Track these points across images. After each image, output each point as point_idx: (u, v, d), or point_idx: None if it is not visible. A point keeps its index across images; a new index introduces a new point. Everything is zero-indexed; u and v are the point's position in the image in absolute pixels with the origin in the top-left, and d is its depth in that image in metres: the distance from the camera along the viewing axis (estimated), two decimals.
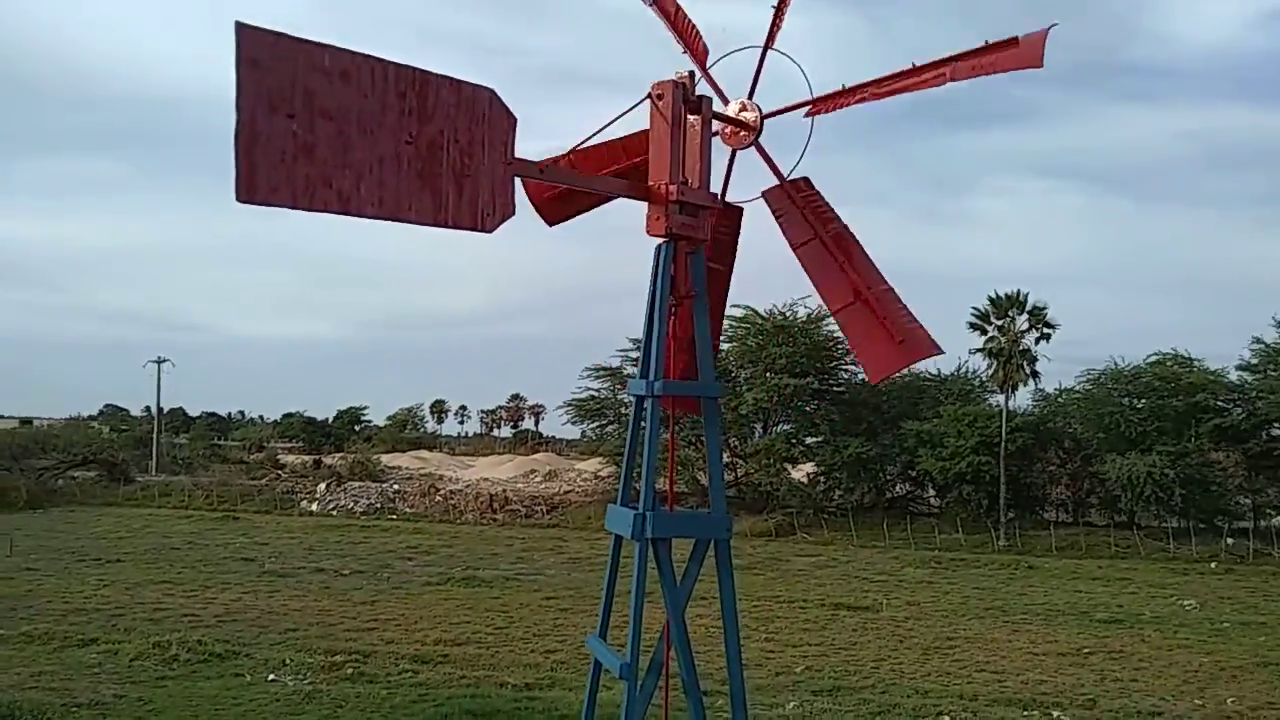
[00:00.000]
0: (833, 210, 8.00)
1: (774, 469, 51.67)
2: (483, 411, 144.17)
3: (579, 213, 8.02)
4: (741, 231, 8.43)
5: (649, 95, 7.09)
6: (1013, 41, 6.78)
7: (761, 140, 7.85)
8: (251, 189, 5.03)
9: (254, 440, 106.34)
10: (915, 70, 7.28)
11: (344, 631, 21.93)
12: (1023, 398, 50.40)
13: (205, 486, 58.82)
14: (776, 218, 8.01)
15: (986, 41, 6.92)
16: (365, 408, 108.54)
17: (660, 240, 7.17)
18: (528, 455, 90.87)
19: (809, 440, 52.99)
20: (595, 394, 57.74)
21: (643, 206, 7.18)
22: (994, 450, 45.85)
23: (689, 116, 7.18)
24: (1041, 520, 48.71)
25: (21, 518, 44.15)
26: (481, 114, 6.08)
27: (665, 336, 7.24)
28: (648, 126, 7.18)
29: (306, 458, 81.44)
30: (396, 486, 59.36)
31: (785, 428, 53.93)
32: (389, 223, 5.71)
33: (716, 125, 7.57)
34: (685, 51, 7.94)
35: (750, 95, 7.80)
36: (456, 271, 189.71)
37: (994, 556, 40.56)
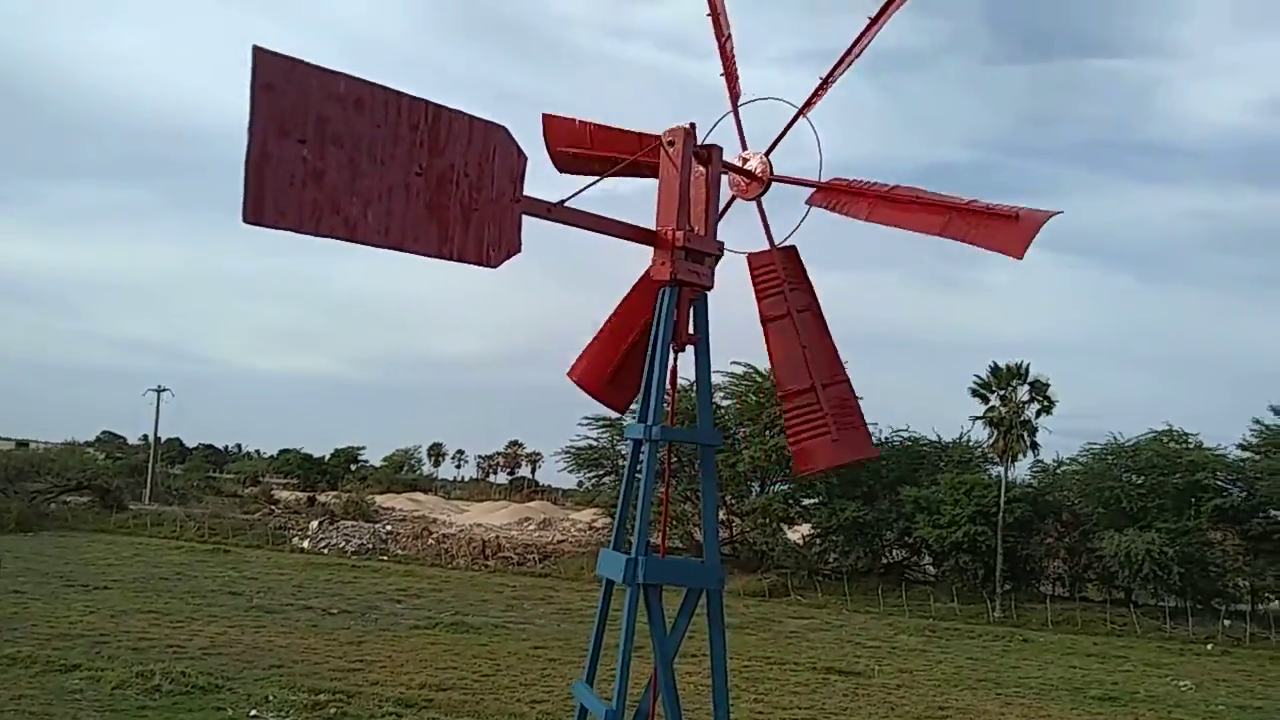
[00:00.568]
0: (811, 289, 8.06)
1: (770, 528, 51.38)
2: (480, 456, 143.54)
3: (591, 174, 7.89)
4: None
5: (659, 141, 7.14)
6: (1013, 218, 6.84)
7: (765, 197, 7.90)
8: (259, 211, 5.07)
9: (249, 474, 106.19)
10: (917, 201, 7.36)
11: (329, 670, 21.63)
12: (1022, 469, 50.37)
13: (198, 518, 58.57)
14: (754, 282, 8.03)
15: (989, 206, 7.03)
16: (362, 447, 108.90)
17: (664, 285, 7.17)
18: (523, 503, 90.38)
19: (806, 501, 52.69)
20: (593, 443, 57.75)
21: (648, 252, 7.19)
22: (991, 520, 45.59)
23: (698, 166, 7.21)
24: (1038, 593, 48.35)
25: (12, 540, 43.83)
26: (493, 150, 6.11)
27: (665, 382, 7.21)
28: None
29: (301, 494, 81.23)
30: (389, 528, 59.05)
31: (782, 487, 53.64)
32: (394, 252, 5.72)
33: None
34: (722, 75, 7.94)
35: (768, 152, 7.86)
36: (461, 313, 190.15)
37: (989, 627, 40.20)
